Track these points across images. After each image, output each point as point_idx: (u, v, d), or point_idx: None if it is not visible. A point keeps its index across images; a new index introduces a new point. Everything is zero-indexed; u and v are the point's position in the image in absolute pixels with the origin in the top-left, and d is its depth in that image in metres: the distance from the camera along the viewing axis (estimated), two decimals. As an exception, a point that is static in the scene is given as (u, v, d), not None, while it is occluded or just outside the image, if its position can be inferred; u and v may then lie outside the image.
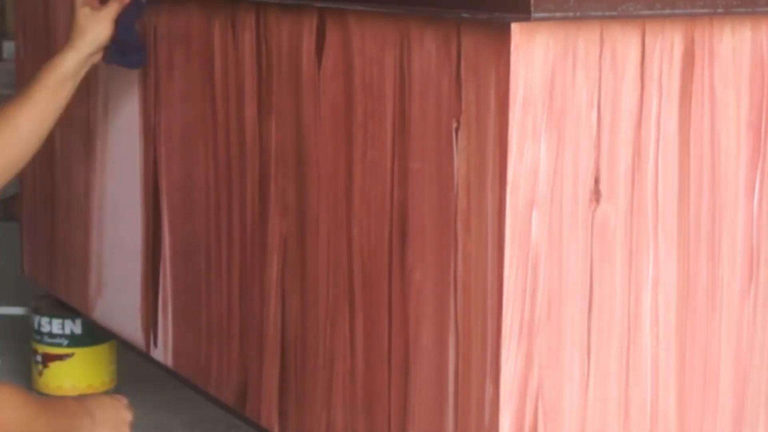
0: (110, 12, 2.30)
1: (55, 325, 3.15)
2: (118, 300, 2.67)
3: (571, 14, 1.54)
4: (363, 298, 1.85)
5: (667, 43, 1.66)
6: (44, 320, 3.16)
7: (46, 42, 2.97)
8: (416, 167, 1.72)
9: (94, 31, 2.29)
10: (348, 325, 1.89)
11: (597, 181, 1.63)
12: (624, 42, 1.62)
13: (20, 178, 3.23)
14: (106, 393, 2.36)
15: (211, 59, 2.21)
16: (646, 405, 1.71)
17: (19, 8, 3.18)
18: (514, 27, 1.54)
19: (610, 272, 1.66)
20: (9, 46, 5.62)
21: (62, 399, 2.20)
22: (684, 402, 1.74)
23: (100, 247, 2.74)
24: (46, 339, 3.17)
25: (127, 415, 2.22)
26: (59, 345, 3.15)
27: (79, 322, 3.12)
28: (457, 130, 1.64)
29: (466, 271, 1.64)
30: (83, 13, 2.29)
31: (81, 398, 2.23)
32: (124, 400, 2.25)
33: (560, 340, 1.63)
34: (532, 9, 1.50)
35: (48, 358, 3.16)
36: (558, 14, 1.53)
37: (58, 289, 3.02)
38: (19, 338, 3.54)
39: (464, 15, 1.59)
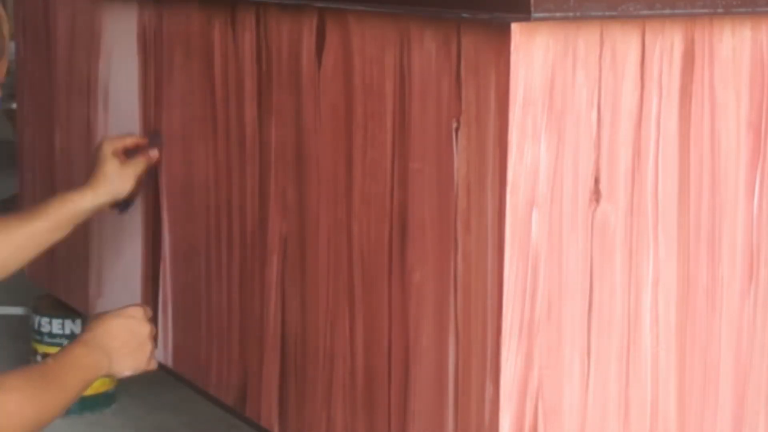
0: (137, 169, 2.36)
1: (55, 325, 3.16)
2: (118, 300, 2.67)
3: (571, 14, 1.54)
4: (363, 298, 1.85)
5: (667, 43, 1.66)
6: (44, 320, 3.17)
7: (46, 42, 2.97)
8: (416, 167, 1.72)
9: (119, 186, 2.34)
10: (348, 325, 1.89)
11: (597, 181, 1.63)
12: (624, 42, 1.62)
13: (20, 178, 3.24)
14: (121, 309, 2.13)
15: (211, 59, 2.21)
16: (646, 405, 1.71)
17: (19, 8, 3.18)
18: (514, 27, 1.54)
19: (610, 272, 1.66)
20: (9, 47, 5.62)
21: (71, 349, 2.08)
22: (684, 402, 1.74)
23: (100, 247, 2.74)
24: (46, 339, 3.18)
25: (144, 329, 2.08)
26: (59, 345, 3.15)
27: (79, 322, 3.13)
28: (457, 130, 1.64)
29: (466, 271, 1.64)
30: (112, 165, 2.33)
31: (90, 334, 2.04)
32: (139, 313, 2.10)
33: (560, 340, 1.63)
34: (532, 9, 1.50)
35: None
36: (558, 14, 1.53)
37: (58, 289, 3.02)
38: (19, 338, 3.55)
39: (464, 15, 1.59)
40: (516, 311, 1.59)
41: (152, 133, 2.42)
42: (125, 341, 2.06)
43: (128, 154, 2.37)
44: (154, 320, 2.42)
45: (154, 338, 2.13)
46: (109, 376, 2.07)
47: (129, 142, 2.38)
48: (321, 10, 1.89)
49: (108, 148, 2.34)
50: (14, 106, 3.51)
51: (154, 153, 2.38)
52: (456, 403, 1.67)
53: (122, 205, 2.42)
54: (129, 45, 2.51)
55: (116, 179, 2.33)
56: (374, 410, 1.84)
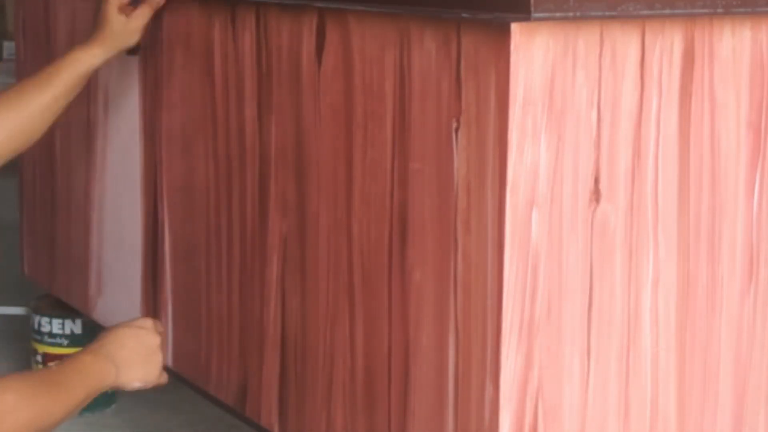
0: (144, 20, 2.32)
1: (55, 325, 3.15)
2: (118, 300, 2.67)
3: (571, 14, 1.54)
4: (363, 298, 1.85)
5: (667, 43, 1.66)
6: (44, 320, 3.16)
7: (46, 42, 2.97)
8: (416, 167, 1.72)
9: (126, 38, 2.31)
10: (348, 325, 1.89)
11: (597, 181, 1.63)
12: (624, 42, 1.62)
13: (20, 177, 3.24)
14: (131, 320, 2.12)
15: (211, 59, 2.21)
16: (646, 405, 1.71)
17: (19, 8, 3.18)
18: (514, 27, 1.54)
19: (610, 272, 1.66)
20: (9, 46, 5.62)
21: (77, 356, 2.03)
22: (684, 402, 1.74)
23: (100, 247, 2.74)
24: (46, 339, 3.17)
25: (154, 340, 2.07)
26: (59, 345, 3.15)
27: (79, 322, 3.12)
28: (457, 130, 1.64)
29: (466, 271, 1.64)
30: (118, 19, 2.30)
31: (98, 343, 2.02)
32: (148, 323, 2.09)
33: (560, 340, 1.63)
34: (532, 9, 1.50)
35: (48, 358, 3.16)
36: (558, 14, 1.53)
37: (58, 289, 3.02)
38: (19, 338, 3.55)
39: (464, 15, 1.59)
40: (516, 311, 1.59)
41: None
42: (134, 351, 2.03)
43: (133, 2, 2.32)
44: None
45: (162, 348, 2.12)
46: (117, 387, 2.03)
47: None
48: (321, 10, 1.89)
49: (114, 2, 2.29)
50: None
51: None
52: (456, 403, 1.67)
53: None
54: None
55: (124, 33, 2.30)
56: (374, 410, 1.84)
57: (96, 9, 2.36)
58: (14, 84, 2.39)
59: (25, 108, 2.26)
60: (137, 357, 2.04)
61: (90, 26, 2.38)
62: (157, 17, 2.40)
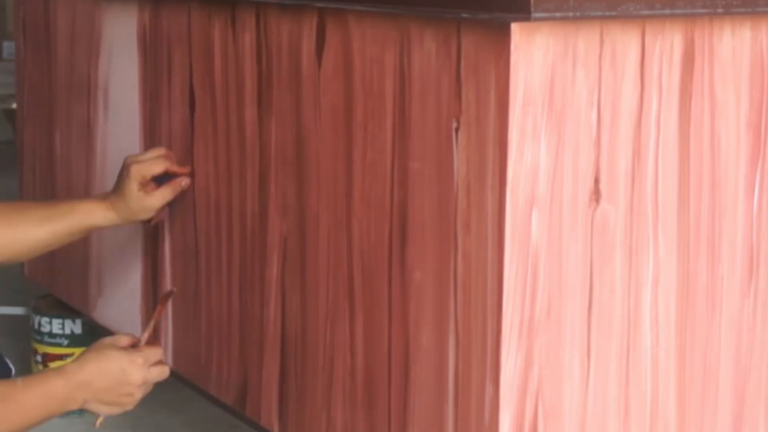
0: (161, 201, 2.25)
1: (55, 325, 3.16)
2: (118, 300, 2.67)
3: (571, 14, 1.54)
4: (363, 298, 1.85)
5: (667, 43, 1.66)
6: (44, 320, 3.17)
7: (46, 42, 2.97)
8: (416, 167, 1.72)
9: (140, 213, 2.26)
10: (348, 325, 1.89)
11: (597, 181, 1.63)
12: (624, 42, 1.62)
13: (20, 178, 3.24)
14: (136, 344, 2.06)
15: (211, 59, 2.21)
16: (646, 405, 1.71)
17: (19, 8, 3.18)
18: (514, 27, 1.54)
19: (610, 272, 1.66)
20: (9, 46, 5.62)
21: (49, 375, 2.00)
22: (684, 402, 1.74)
23: (100, 248, 2.74)
24: (46, 339, 3.18)
25: (137, 379, 2.00)
26: (59, 345, 3.15)
27: (79, 322, 3.12)
28: (457, 130, 1.64)
29: (466, 271, 1.64)
30: (137, 195, 2.22)
31: (80, 368, 1.97)
32: (138, 360, 2.01)
33: (560, 340, 1.63)
34: (532, 9, 1.50)
35: (48, 358, 3.16)
36: (558, 14, 1.53)
37: (58, 289, 3.02)
38: (19, 338, 3.55)
39: (464, 15, 1.59)
40: (516, 311, 1.59)
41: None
42: (112, 387, 1.99)
43: (157, 179, 2.26)
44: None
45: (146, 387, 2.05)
46: (82, 410, 2.02)
47: (158, 169, 2.25)
48: (321, 10, 1.89)
49: (136, 176, 2.22)
50: (14, 106, 3.51)
51: (185, 183, 2.27)
52: (456, 403, 1.67)
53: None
54: (129, 45, 2.51)
55: (139, 209, 2.24)
56: (374, 410, 1.84)
57: (121, 169, 2.27)
58: (21, 200, 2.34)
59: (18, 227, 2.20)
60: (112, 393, 2.00)
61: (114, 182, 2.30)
62: (157, 17, 2.40)
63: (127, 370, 2.00)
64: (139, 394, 2.03)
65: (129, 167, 2.24)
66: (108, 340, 2.06)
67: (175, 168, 2.28)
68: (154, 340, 2.14)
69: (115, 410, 2.02)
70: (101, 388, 1.98)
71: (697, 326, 1.74)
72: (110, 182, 2.67)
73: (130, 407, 2.03)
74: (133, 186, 2.22)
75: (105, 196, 2.29)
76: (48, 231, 2.23)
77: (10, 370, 2.15)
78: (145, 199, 2.23)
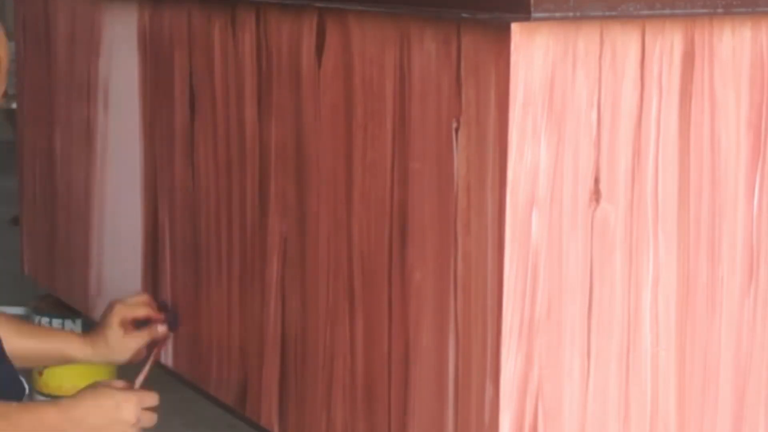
0: (138, 343, 2.34)
1: (55, 325, 3.15)
2: (118, 300, 2.67)
3: (571, 14, 1.54)
4: (363, 298, 1.85)
5: (667, 43, 1.66)
6: (44, 320, 3.17)
7: (46, 42, 2.97)
8: (416, 167, 1.72)
9: (118, 353, 2.33)
10: (348, 325, 1.89)
11: (597, 181, 1.63)
12: (624, 42, 1.62)
13: (20, 178, 3.24)
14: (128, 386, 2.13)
15: (211, 59, 2.21)
16: (646, 405, 1.71)
17: (19, 8, 3.18)
18: (514, 27, 1.54)
19: (610, 272, 1.66)
20: (9, 46, 5.62)
21: (44, 405, 2.05)
22: (684, 402, 1.74)
23: (100, 247, 2.74)
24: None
25: (129, 418, 2.05)
26: (59, 345, 3.14)
27: (79, 322, 3.12)
28: (457, 130, 1.64)
29: (466, 271, 1.64)
30: (116, 334, 2.31)
31: (74, 402, 2.02)
32: (133, 398, 2.06)
33: (560, 340, 1.63)
34: (532, 9, 1.50)
35: (48, 358, 3.16)
36: (558, 14, 1.53)
37: (58, 289, 3.02)
38: (19, 338, 3.54)
39: (464, 15, 1.59)
40: (516, 311, 1.59)
41: (170, 310, 2.38)
42: (105, 425, 2.03)
43: (138, 324, 2.34)
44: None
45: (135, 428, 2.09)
46: None
47: (140, 313, 2.35)
48: (321, 10, 1.89)
49: (118, 314, 2.32)
50: (14, 106, 3.51)
51: (163, 330, 2.36)
52: (456, 403, 1.67)
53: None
54: (129, 45, 2.51)
55: (117, 348, 2.32)
56: (374, 410, 1.84)
57: (106, 308, 2.36)
58: (4, 312, 2.40)
59: (8, 339, 2.21)
60: (106, 430, 2.04)
61: None
62: (157, 17, 2.40)
63: (122, 406, 2.05)
64: None
65: (113, 306, 2.34)
66: (104, 382, 2.14)
67: (154, 315, 2.37)
68: (148, 385, 2.18)
69: None
70: (95, 425, 2.02)
71: (697, 326, 1.74)
72: (110, 182, 2.68)
73: None
74: (114, 323, 2.31)
75: (86, 333, 2.40)
76: (21, 348, 2.28)
77: (24, 389, 2.17)
78: (123, 338, 2.32)
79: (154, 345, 2.35)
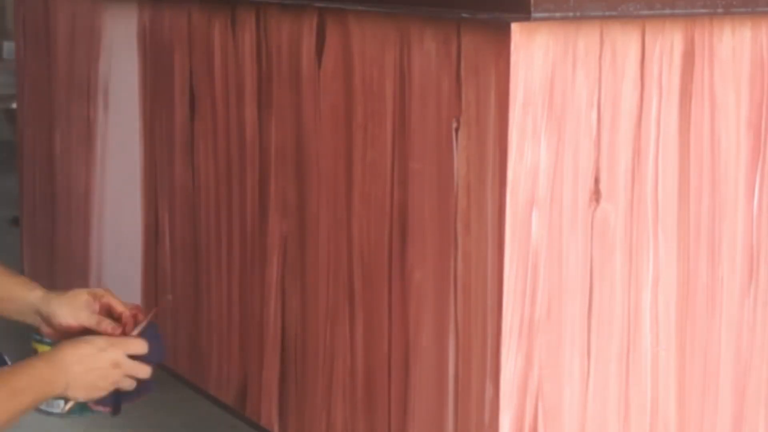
0: (88, 319, 2.09)
1: (55, 326, 3.15)
2: (118, 300, 2.67)
3: (571, 14, 1.54)
4: (363, 298, 1.85)
5: (667, 43, 1.66)
6: (44, 320, 3.16)
7: (46, 42, 2.97)
8: (416, 167, 1.72)
9: (61, 315, 2.11)
10: (348, 325, 1.89)
11: (597, 181, 1.63)
12: (624, 42, 1.62)
13: (20, 178, 3.24)
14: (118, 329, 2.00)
15: (211, 59, 2.21)
16: (646, 405, 1.71)
17: (19, 8, 3.18)
18: (514, 27, 1.53)
19: (610, 272, 1.66)
20: (9, 46, 5.62)
21: (31, 360, 2.00)
22: (684, 402, 1.74)
23: (100, 247, 2.74)
24: (46, 339, 3.17)
25: (110, 359, 1.95)
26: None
27: (79, 322, 3.11)
28: (457, 130, 1.64)
29: (466, 271, 1.64)
30: (78, 298, 2.11)
31: (56, 354, 1.95)
32: (115, 342, 1.96)
33: (560, 340, 1.63)
34: (532, 9, 1.50)
35: (48, 358, 3.15)
36: (558, 14, 1.53)
37: (58, 289, 3.02)
38: (19, 338, 3.54)
39: (464, 15, 1.59)
40: (516, 311, 1.59)
41: (147, 325, 2.08)
42: (89, 368, 1.97)
43: (109, 314, 2.10)
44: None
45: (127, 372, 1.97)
46: (65, 397, 2.01)
47: (119, 307, 2.10)
48: (321, 10, 1.89)
49: (98, 291, 2.11)
50: (14, 106, 3.51)
51: (117, 331, 2.07)
52: (456, 403, 1.67)
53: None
54: (129, 45, 2.51)
55: (66, 308, 2.11)
56: (374, 410, 1.84)
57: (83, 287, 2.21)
58: None
59: None
60: (90, 375, 1.98)
61: None
62: (157, 17, 2.40)
63: (103, 347, 1.98)
64: (115, 376, 1.99)
65: (104, 288, 2.15)
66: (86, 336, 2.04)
67: (129, 320, 2.11)
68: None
69: (95, 393, 2.01)
70: (78, 373, 1.98)
71: (697, 326, 1.74)
72: (110, 182, 2.68)
73: (107, 389, 2.01)
74: (86, 291, 2.12)
75: (49, 291, 2.19)
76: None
77: (6, 365, 2.15)
78: (81, 305, 2.11)
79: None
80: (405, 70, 1.73)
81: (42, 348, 3.17)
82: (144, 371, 1.99)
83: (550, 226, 1.60)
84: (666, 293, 1.70)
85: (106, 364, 2.00)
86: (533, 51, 1.56)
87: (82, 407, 3.05)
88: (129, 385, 1.98)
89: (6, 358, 2.19)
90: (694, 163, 1.70)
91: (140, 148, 2.50)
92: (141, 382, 2.01)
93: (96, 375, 1.99)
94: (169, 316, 2.44)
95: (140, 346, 1.99)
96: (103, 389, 2.01)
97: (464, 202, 1.64)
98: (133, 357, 2.00)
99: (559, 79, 1.58)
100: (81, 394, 2.01)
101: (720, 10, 1.65)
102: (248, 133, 2.12)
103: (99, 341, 2.00)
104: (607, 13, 1.57)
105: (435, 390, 1.71)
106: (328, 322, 1.94)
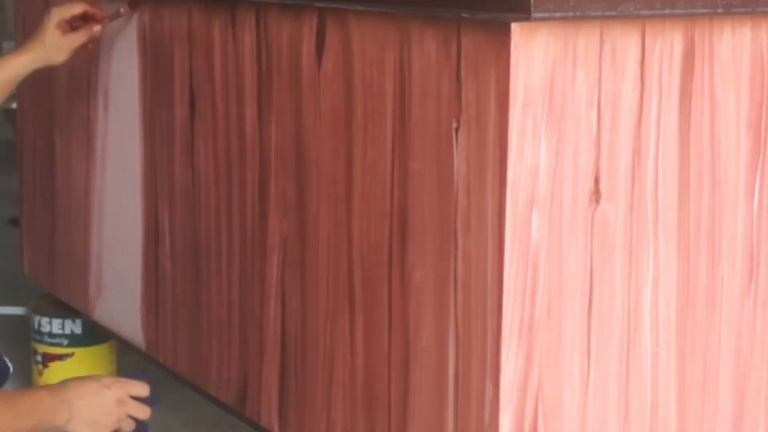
0: (75, 42, 2.43)
1: (55, 325, 3.15)
2: (118, 300, 2.67)
3: (571, 14, 1.54)
4: (363, 298, 1.85)
5: (667, 43, 1.66)
6: (44, 320, 3.16)
7: (46, 42, 2.97)
8: (416, 167, 1.72)
9: (55, 53, 2.43)
10: (348, 325, 1.89)
11: (597, 181, 1.63)
12: (624, 42, 1.62)
13: (20, 177, 3.24)
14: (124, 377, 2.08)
15: (211, 59, 2.21)
16: (646, 405, 1.71)
17: (19, 8, 3.18)
18: (514, 27, 1.54)
19: (610, 272, 1.66)
20: (9, 46, 5.63)
21: (38, 391, 2.05)
22: (684, 402, 1.74)
23: (100, 247, 2.74)
24: (46, 339, 3.17)
25: (112, 399, 2.01)
26: (59, 345, 3.15)
27: (79, 322, 3.12)
28: (457, 130, 1.64)
29: (466, 271, 1.64)
30: (52, 33, 2.41)
31: (60, 387, 2.00)
32: (115, 382, 2.02)
33: (560, 340, 1.63)
34: (532, 9, 1.50)
35: (48, 358, 3.16)
36: (558, 14, 1.53)
37: (58, 289, 3.02)
38: (19, 338, 3.55)
39: (464, 15, 1.59)
40: (516, 311, 1.59)
41: (114, 12, 2.46)
42: (91, 406, 2.00)
43: (75, 24, 2.43)
44: (154, 320, 2.41)
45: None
46: (65, 431, 2.04)
47: (76, 10, 2.43)
48: (321, 10, 1.89)
49: (55, 16, 2.41)
50: (14, 106, 3.51)
51: (97, 29, 2.45)
52: (456, 403, 1.67)
53: None
54: (129, 45, 2.51)
55: (54, 48, 2.41)
56: (374, 410, 1.84)
57: (44, 15, 2.44)
58: None
59: None
60: (93, 410, 2.01)
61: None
62: (157, 17, 2.40)
63: (107, 384, 2.02)
64: (118, 414, 2.03)
65: (51, 10, 2.43)
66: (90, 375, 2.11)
67: (93, 11, 2.46)
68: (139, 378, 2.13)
69: (97, 429, 2.03)
70: (80, 408, 2.01)
71: (697, 326, 1.74)
72: (110, 182, 2.68)
73: (109, 427, 2.05)
74: (50, 25, 2.41)
75: (22, 45, 2.46)
76: None
77: (8, 368, 2.16)
78: (60, 37, 2.42)
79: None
80: (405, 70, 1.73)
81: (42, 348, 3.17)
82: (144, 412, 2.05)
83: (550, 226, 1.60)
84: (666, 293, 1.70)
85: (110, 401, 2.03)
86: (533, 51, 1.56)
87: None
88: (129, 426, 2.02)
89: (5, 359, 2.19)
90: (694, 163, 1.70)
91: (140, 148, 2.50)
92: (137, 425, 2.06)
93: (99, 411, 2.02)
94: (170, 316, 2.44)
95: (142, 389, 2.04)
96: (105, 426, 2.04)
97: (464, 202, 1.64)
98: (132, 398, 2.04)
99: (559, 79, 1.58)
100: (83, 429, 2.03)
101: (720, 10, 1.65)
102: (248, 132, 2.12)
103: (104, 379, 2.05)
104: (607, 13, 1.57)
105: (435, 390, 1.71)
106: (328, 322, 1.94)
